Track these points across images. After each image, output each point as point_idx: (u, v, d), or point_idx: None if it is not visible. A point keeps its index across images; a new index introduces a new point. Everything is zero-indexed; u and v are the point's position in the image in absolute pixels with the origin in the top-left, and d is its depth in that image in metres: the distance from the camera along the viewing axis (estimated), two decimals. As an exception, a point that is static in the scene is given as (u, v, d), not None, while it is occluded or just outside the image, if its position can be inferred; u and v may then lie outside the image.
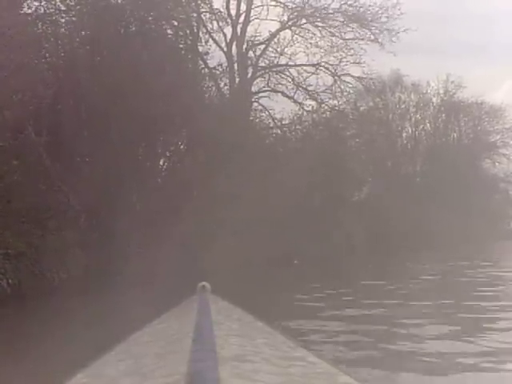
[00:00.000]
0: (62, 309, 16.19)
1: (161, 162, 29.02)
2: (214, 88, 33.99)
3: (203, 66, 33.18)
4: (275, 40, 39.13)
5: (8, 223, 17.71)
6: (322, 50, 39.75)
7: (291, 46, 39.29)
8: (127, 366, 3.11)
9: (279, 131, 40.13)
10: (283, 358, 3.09)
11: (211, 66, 34.00)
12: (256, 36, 38.15)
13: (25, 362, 9.34)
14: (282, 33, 39.43)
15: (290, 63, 39.56)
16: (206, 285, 5.15)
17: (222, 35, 37.30)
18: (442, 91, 65.24)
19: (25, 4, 23.74)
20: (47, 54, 24.22)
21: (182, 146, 30.28)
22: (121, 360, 3.37)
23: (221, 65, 35.25)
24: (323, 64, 40.03)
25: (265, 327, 4.46)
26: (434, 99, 65.64)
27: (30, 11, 24.11)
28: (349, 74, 40.49)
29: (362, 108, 52.69)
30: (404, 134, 63.77)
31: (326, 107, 41.39)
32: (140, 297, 17.86)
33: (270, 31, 38.77)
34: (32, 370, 8.69)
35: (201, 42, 32.76)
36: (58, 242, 19.47)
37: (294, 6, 38.98)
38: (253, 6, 38.20)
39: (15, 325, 14.19)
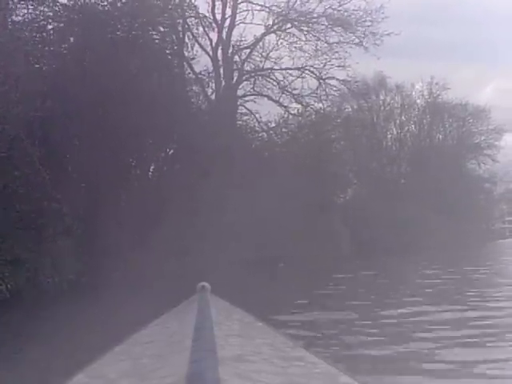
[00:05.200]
0: (55, 311, 16.54)
1: (151, 169, 29.12)
2: (200, 92, 34.12)
3: (189, 71, 33.38)
4: (260, 44, 39.29)
5: (6, 230, 17.90)
6: (306, 54, 39.97)
7: (276, 50, 39.48)
8: (127, 367, 3.11)
9: (265, 134, 40.27)
10: (283, 358, 3.13)
11: (197, 70, 34.23)
12: (241, 40, 38.30)
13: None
14: (267, 37, 39.59)
15: (276, 67, 39.73)
16: (205, 285, 5.00)
17: (207, 40, 37.48)
18: (426, 93, 65.32)
19: (13, 12, 23.81)
20: (34, 60, 24.17)
21: (170, 152, 30.36)
22: (121, 360, 3.37)
23: (207, 69, 35.49)
24: (308, 68, 40.26)
25: (265, 327, 4.48)
26: (419, 101, 65.70)
27: (17, 19, 24.23)
28: (334, 78, 40.69)
29: (346, 110, 52.95)
30: (389, 136, 63.90)
31: (311, 110, 41.58)
32: (129, 299, 18.06)
33: (255, 35, 38.95)
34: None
35: (187, 47, 32.97)
36: (53, 249, 19.68)
37: (278, 10, 39.10)
38: (238, 11, 38.32)
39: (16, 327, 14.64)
